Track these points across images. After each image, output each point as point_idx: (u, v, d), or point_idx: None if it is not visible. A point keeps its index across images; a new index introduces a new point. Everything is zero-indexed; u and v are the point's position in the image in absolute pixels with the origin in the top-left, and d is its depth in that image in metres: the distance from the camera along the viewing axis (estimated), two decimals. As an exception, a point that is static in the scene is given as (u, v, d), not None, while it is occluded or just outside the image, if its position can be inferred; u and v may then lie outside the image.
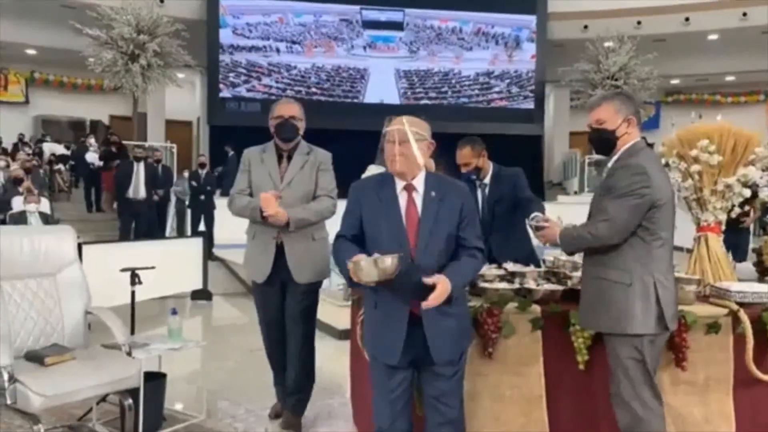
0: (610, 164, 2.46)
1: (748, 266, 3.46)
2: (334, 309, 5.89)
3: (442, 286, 2.11)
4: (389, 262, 2.07)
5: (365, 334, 2.40)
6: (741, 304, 2.77)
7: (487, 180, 3.60)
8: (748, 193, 3.02)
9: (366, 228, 2.27)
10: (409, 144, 2.21)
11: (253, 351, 5.53)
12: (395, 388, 2.26)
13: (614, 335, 2.38)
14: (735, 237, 6.23)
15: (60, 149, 13.79)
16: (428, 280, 2.12)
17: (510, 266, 3.05)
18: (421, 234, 2.22)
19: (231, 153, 12.08)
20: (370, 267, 2.07)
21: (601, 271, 2.40)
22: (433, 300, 2.10)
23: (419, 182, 2.27)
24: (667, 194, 2.38)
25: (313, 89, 14.92)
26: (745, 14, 13.67)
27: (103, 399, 3.43)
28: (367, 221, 2.27)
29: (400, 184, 2.28)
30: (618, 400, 2.41)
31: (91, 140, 13.46)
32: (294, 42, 14.81)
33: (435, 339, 2.21)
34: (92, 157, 12.36)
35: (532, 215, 2.71)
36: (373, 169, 3.91)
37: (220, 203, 10.27)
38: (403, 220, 2.24)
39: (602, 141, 2.46)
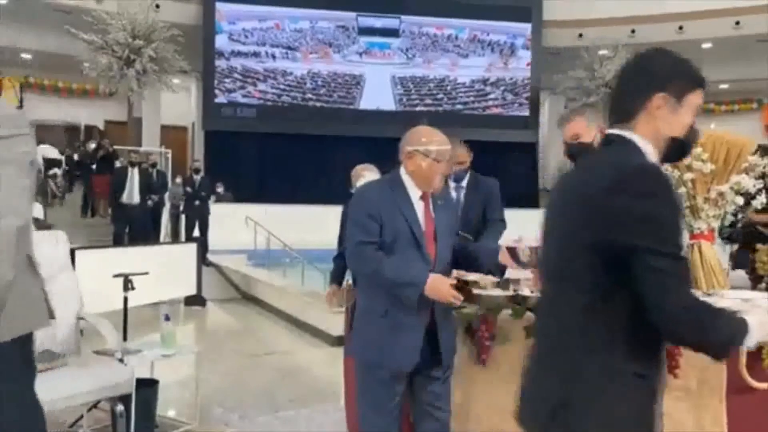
0: None
1: (741, 274, 3.47)
2: (328, 315, 5.87)
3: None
4: None
5: (362, 342, 2.35)
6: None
7: (464, 184, 3.51)
8: (741, 201, 3.04)
9: (384, 234, 2.24)
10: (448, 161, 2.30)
11: (247, 357, 5.52)
12: (394, 397, 2.26)
13: None
14: None
15: (54, 153, 13.73)
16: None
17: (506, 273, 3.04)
18: (440, 242, 2.29)
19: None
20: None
21: None
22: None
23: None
24: None
25: (309, 95, 14.92)
26: (738, 23, 13.76)
27: (95, 406, 3.41)
28: (387, 227, 2.24)
29: (417, 192, 2.28)
30: None
31: (92, 145, 13.45)
32: (290, 48, 14.82)
33: (444, 343, 2.28)
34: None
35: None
36: (368, 176, 3.91)
37: (215, 209, 10.26)
38: (422, 229, 2.26)
39: (581, 155, 2.41)
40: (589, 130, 2.42)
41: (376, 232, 2.22)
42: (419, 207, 2.28)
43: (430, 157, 2.22)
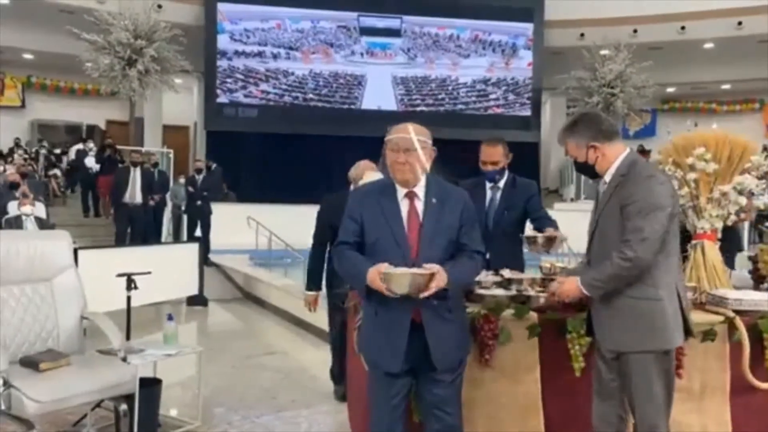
0: (607, 180, 2.40)
1: (743, 274, 3.47)
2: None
3: (439, 275, 2.12)
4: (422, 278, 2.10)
5: (363, 341, 2.38)
6: (737, 312, 2.78)
7: (501, 184, 3.49)
8: (744, 201, 3.03)
9: (366, 235, 2.25)
10: (416, 152, 2.21)
11: (249, 357, 5.52)
12: (394, 395, 2.26)
13: (646, 353, 2.30)
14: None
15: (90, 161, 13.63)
16: (426, 268, 2.12)
17: (507, 273, 3.04)
18: (422, 242, 2.23)
19: (214, 166, 11.76)
20: (403, 279, 2.08)
21: (628, 289, 2.28)
22: (433, 287, 2.10)
23: (420, 189, 2.28)
24: (678, 201, 2.40)
25: (311, 95, 14.93)
26: (740, 23, 13.74)
27: (98, 405, 3.41)
28: (368, 228, 2.25)
29: (401, 191, 2.27)
30: (643, 416, 2.35)
31: (90, 144, 13.44)
32: (291, 48, 14.82)
33: (436, 346, 2.21)
34: (91, 161, 12.36)
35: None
36: (371, 175, 3.91)
37: (217, 209, 10.26)
38: (405, 228, 2.23)
39: (583, 170, 2.50)
40: (580, 149, 2.42)
41: (354, 233, 2.25)
42: (404, 205, 2.26)
43: (387, 147, 2.25)
